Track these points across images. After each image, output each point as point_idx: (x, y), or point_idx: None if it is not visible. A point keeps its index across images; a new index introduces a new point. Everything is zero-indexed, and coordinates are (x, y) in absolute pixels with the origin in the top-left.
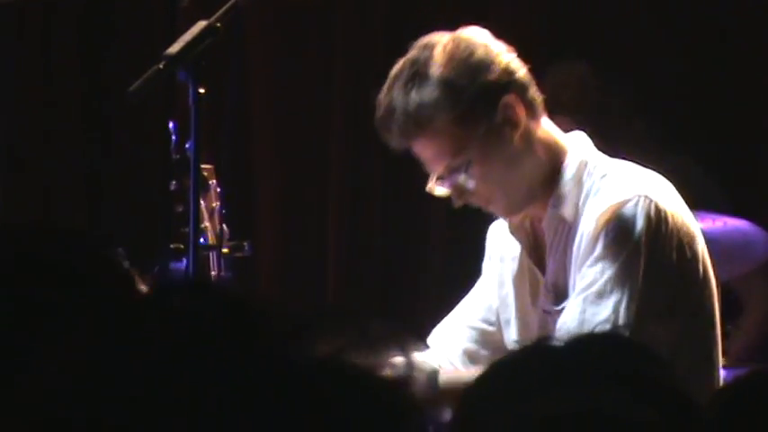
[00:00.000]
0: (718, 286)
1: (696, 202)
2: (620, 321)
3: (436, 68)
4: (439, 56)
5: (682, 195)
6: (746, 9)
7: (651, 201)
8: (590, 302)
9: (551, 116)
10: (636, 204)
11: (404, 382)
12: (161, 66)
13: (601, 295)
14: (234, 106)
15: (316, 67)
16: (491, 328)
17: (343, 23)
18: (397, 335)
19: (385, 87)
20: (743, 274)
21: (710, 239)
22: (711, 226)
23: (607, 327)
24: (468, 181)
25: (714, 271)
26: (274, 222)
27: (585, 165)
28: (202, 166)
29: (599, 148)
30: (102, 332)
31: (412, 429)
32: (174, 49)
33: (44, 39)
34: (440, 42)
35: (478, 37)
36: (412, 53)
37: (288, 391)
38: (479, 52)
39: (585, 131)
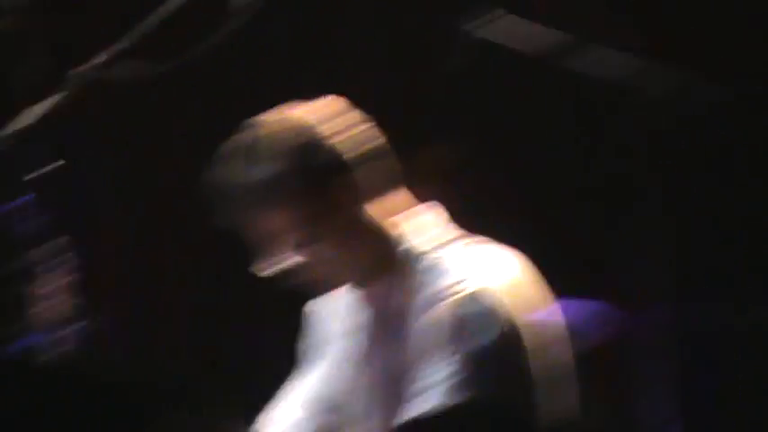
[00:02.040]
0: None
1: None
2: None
3: (274, 145)
4: (275, 134)
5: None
6: None
7: (480, 299)
8: (439, 395)
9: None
10: (466, 304)
11: None
12: (19, 138)
13: (436, 395)
14: (87, 176)
15: (169, 134)
16: (334, 417)
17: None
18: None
19: (220, 164)
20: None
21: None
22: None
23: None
24: (300, 258)
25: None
26: (125, 295)
27: (415, 252)
28: (57, 239)
29: None
30: None
31: None
32: (30, 121)
33: None
34: (270, 122)
35: (310, 116)
36: (250, 130)
37: None
38: (316, 129)
39: None
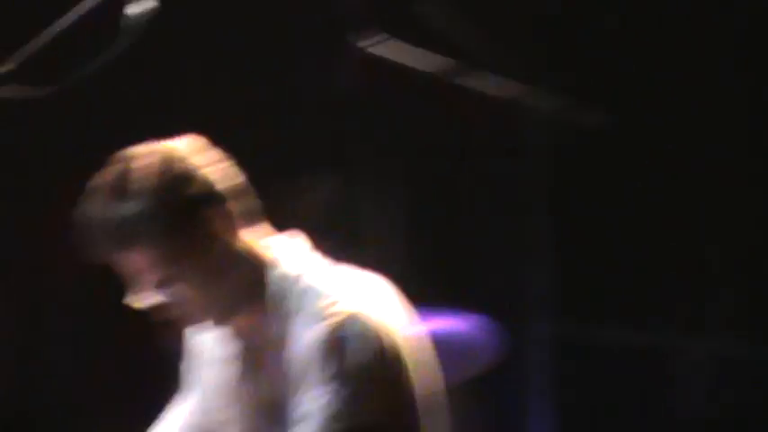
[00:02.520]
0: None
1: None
2: None
3: (137, 182)
4: (140, 170)
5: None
6: None
7: (357, 320)
8: (324, 426)
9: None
10: (343, 326)
11: None
12: None
13: (335, 418)
14: None
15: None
16: None
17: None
18: None
19: (84, 201)
20: (469, 376)
21: (437, 341)
22: (438, 326)
23: None
24: (169, 293)
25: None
26: None
27: (286, 279)
28: None
29: None
30: None
31: None
32: None
33: None
34: (141, 155)
35: (180, 149)
36: (114, 166)
37: None
38: (179, 165)
39: None
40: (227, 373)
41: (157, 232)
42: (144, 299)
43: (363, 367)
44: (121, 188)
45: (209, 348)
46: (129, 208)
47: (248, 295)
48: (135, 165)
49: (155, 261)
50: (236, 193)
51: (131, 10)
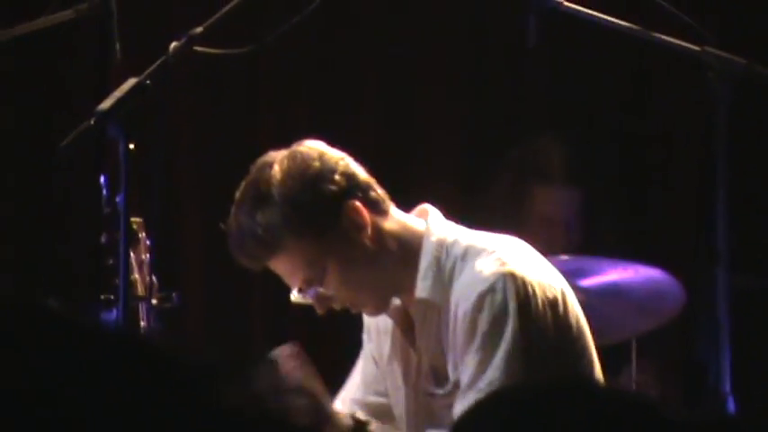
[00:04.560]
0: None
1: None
2: None
3: (276, 187)
4: (277, 174)
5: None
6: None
7: (515, 277)
8: (484, 393)
9: (539, 188)
10: (503, 286)
11: (316, 428)
12: (92, 121)
13: (492, 384)
14: (162, 162)
15: (241, 122)
16: (383, 399)
17: (267, 77)
18: (311, 385)
19: (232, 212)
20: (654, 325)
21: (623, 290)
22: (624, 275)
23: None
24: (327, 289)
25: (619, 321)
26: (201, 273)
27: (442, 245)
28: (132, 219)
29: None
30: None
31: None
32: (105, 105)
33: None
34: (276, 160)
35: (313, 148)
36: (252, 175)
37: None
38: (315, 164)
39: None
40: (391, 342)
41: (299, 234)
42: (305, 296)
43: (526, 323)
44: (262, 196)
45: (374, 319)
46: (269, 215)
47: (404, 270)
48: (273, 171)
49: (306, 260)
50: (371, 181)
51: None
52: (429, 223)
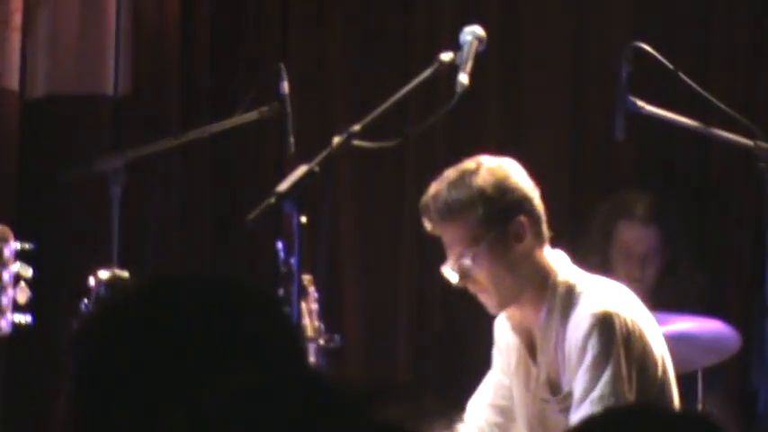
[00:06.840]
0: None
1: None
2: None
3: (478, 179)
4: (484, 171)
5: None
6: None
7: (620, 316)
8: (596, 404)
9: (622, 222)
10: (610, 321)
11: None
12: (272, 200)
13: (602, 398)
14: (328, 231)
15: (390, 197)
16: (508, 403)
17: (412, 163)
18: (447, 409)
19: (434, 183)
20: (716, 362)
21: (690, 336)
22: (690, 327)
23: None
24: (472, 268)
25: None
26: (360, 320)
27: (566, 284)
28: (303, 276)
29: None
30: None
31: None
32: (283, 187)
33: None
34: (488, 162)
35: (516, 169)
36: (465, 164)
37: None
38: (513, 179)
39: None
40: (517, 356)
41: (476, 216)
42: (451, 273)
43: (627, 351)
44: (464, 178)
45: (504, 336)
46: (463, 192)
47: (532, 292)
48: (484, 167)
49: (470, 236)
50: (544, 218)
51: (461, 78)
52: (560, 265)
